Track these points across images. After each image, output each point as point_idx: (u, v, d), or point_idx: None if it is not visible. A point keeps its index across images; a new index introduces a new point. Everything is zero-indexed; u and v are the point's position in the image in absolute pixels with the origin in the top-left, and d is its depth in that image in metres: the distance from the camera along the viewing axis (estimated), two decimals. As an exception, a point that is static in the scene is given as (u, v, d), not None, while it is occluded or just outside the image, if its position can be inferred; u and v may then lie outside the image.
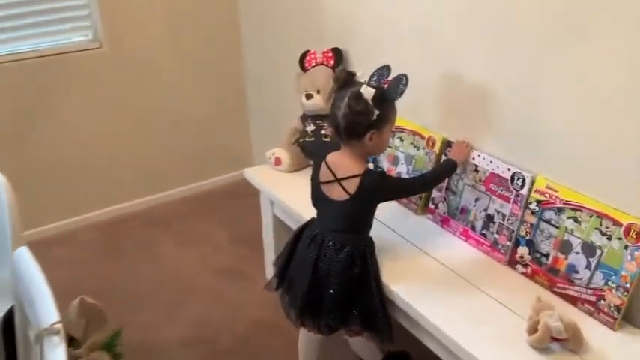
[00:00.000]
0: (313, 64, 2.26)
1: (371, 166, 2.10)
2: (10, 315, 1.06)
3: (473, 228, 1.76)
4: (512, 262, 1.64)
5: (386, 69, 1.64)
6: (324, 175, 1.61)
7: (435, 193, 1.88)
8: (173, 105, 2.99)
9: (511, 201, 1.64)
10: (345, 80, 1.56)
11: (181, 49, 2.92)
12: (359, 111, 1.48)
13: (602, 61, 1.38)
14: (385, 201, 1.64)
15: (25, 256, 0.96)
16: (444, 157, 1.86)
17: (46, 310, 0.82)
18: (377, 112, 1.48)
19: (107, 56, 2.72)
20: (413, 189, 1.77)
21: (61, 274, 2.55)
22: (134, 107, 2.88)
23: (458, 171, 1.77)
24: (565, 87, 1.49)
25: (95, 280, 2.51)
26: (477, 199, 1.75)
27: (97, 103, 2.77)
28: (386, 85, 1.59)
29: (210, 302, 2.37)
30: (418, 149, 1.94)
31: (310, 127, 2.26)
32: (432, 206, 1.89)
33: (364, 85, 1.50)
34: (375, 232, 1.68)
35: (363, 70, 1.63)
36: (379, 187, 1.56)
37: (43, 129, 2.68)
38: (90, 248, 2.76)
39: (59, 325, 0.77)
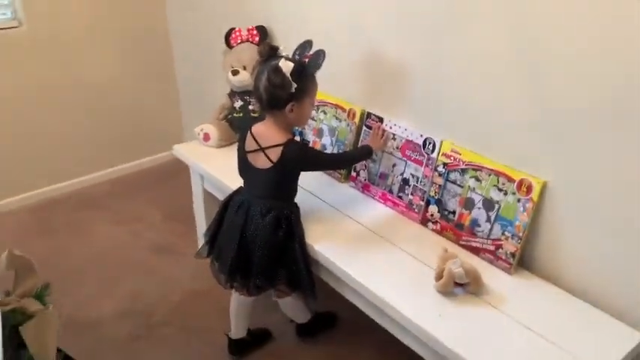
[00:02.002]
0: (239, 42, 2.32)
1: (297, 139, 2.21)
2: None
3: (390, 191, 1.90)
4: (424, 221, 1.79)
5: (308, 44, 1.73)
6: (250, 144, 1.69)
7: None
8: (99, 86, 2.96)
9: (423, 164, 1.79)
10: (269, 54, 1.65)
11: (106, 28, 2.89)
12: (277, 84, 1.57)
13: (489, 39, 1.55)
14: (306, 171, 1.75)
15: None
16: (364, 128, 1.98)
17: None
18: (295, 85, 1.57)
19: (27, 35, 2.66)
20: (330, 164, 1.93)
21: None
22: (57, 89, 2.84)
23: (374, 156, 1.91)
24: (460, 62, 1.65)
25: (25, 261, 2.49)
26: (394, 165, 1.89)
27: (19, 84, 2.71)
28: (307, 60, 1.69)
29: (144, 276, 2.41)
30: (340, 121, 2.06)
31: (238, 103, 2.33)
32: (354, 174, 2.02)
33: (283, 59, 1.59)
34: (301, 198, 1.79)
35: (286, 45, 1.73)
36: (300, 157, 1.66)
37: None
38: (21, 229, 2.72)
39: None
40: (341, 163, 1.96)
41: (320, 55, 1.66)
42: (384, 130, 1.89)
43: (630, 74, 1.27)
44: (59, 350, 1.31)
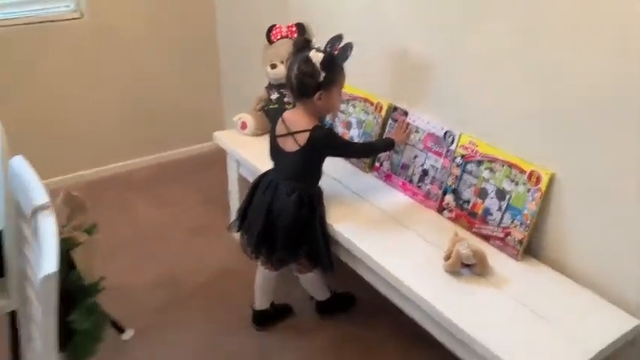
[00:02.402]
0: (279, 38, 2.48)
1: (326, 129, 2.35)
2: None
3: (411, 181, 2.01)
4: (440, 209, 1.90)
5: (338, 38, 1.87)
6: (280, 129, 1.84)
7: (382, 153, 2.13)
8: (150, 78, 3.18)
9: (443, 156, 1.90)
10: (302, 46, 1.80)
11: (158, 23, 3.11)
12: (306, 72, 1.72)
13: (501, 39, 1.67)
14: (331, 155, 1.88)
15: (20, 161, 1.18)
16: (389, 121, 2.10)
17: (39, 195, 1.04)
18: (323, 74, 1.71)
19: (86, 27, 2.90)
20: (353, 152, 2.06)
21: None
22: (114, 77, 3.07)
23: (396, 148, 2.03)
24: (474, 59, 1.77)
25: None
26: (415, 156, 2.00)
27: (78, 71, 2.95)
28: (336, 52, 1.82)
29: (179, 254, 2.58)
30: (368, 114, 2.18)
31: (275, 95, 2.49)
32: (377, 164, 2.14)
33: (313, 50, 1.73)
34: (326, 184, 1.93)
35: (319, 39, 1.88)
36: (325, 142, 1.80)
37: (27, 93, 2.85)
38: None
39: (49, 203, 1.00)
40: (363, 152, 2.08)
41: (348, 47, 1.79)
42: (408, 124, 2.01)
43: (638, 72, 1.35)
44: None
